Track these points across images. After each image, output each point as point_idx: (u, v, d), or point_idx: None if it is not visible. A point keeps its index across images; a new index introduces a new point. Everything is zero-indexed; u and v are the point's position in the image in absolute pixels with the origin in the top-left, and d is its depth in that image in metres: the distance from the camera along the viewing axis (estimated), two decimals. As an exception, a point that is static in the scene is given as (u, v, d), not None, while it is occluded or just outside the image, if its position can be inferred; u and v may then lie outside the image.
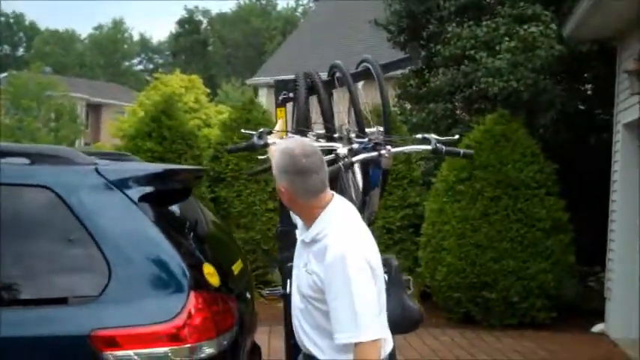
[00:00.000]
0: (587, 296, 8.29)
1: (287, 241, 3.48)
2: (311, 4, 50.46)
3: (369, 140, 2.93)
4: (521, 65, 8.04)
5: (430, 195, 8.36)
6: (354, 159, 2.86)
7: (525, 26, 8.05)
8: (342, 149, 2.91)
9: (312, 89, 3.44)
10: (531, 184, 7.73)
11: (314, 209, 2.56)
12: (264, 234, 8.99)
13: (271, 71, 23.27)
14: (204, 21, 58.39)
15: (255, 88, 24.61)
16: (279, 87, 3.58)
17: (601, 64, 8.94)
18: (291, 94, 3.52)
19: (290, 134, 3.12)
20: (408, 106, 10.86)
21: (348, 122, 3.53)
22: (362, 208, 3.12)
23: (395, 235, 8.66)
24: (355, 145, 2.93)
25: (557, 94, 8.45)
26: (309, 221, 2.60)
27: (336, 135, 3.20)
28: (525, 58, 8.06)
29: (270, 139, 2.96)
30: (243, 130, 3.13)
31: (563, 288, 7.79)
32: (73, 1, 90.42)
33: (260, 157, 3.51)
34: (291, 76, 3.64)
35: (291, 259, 2.83)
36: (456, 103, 9.84)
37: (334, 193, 2.64)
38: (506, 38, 8.22)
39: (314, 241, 2.55)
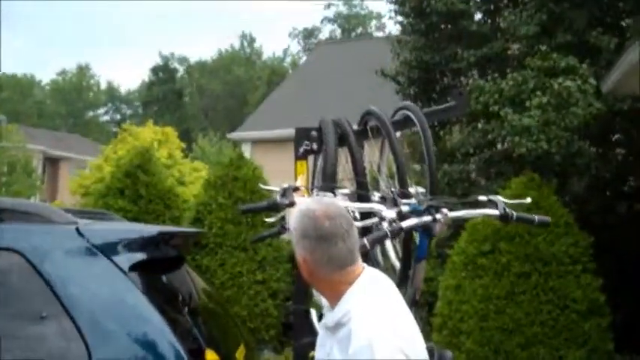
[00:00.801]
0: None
1: (303, 323, 3.21)
2: (301, 54, 51.10)
3: (421, 202, 2.66)
4: (554, 124, 7.87)
5: (446, 269, 8.09)
6: (404, 224, 2.58)
7: (559, 80, 7.91)
8: (388, 212, 2.63)
9: (340, 140, 3.21)
10: (564, 259, 7.51)
11: (339, 285, 2.32)
12: (250, 310, 8.77)
13: (256, 125, 23.26)
14: (181, 69, 58.89)
15: (236, 144, 24.52)
16: (300, 137, 3.36)
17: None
18: (314, 145, 3.28)
19: (317, 192, 2.86)
20: (417, 167, 10.69)
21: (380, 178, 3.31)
22: (402, 285, 2.84)
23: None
24: (404, 208, 2.65)
25: (593, 158, 8.29)
26: (333, 300, 2.35)
27: (376, 194, 2.94)
28: (558, 116, 7.90)
29: (297, 197, 2.69)
30: (261, 185, 2.87)
31: (600, 379, 7.48)
32: (33, 44, 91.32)
33: (267, 219, 3.22)
34: (314, 125, 3.43)
35: (311, 347, 2.54)
36: (472, 165, 9.67)
37: (365, 265, 2.39)
38: (537, 92, 8.07)
39: (338, 325, 2.30)
